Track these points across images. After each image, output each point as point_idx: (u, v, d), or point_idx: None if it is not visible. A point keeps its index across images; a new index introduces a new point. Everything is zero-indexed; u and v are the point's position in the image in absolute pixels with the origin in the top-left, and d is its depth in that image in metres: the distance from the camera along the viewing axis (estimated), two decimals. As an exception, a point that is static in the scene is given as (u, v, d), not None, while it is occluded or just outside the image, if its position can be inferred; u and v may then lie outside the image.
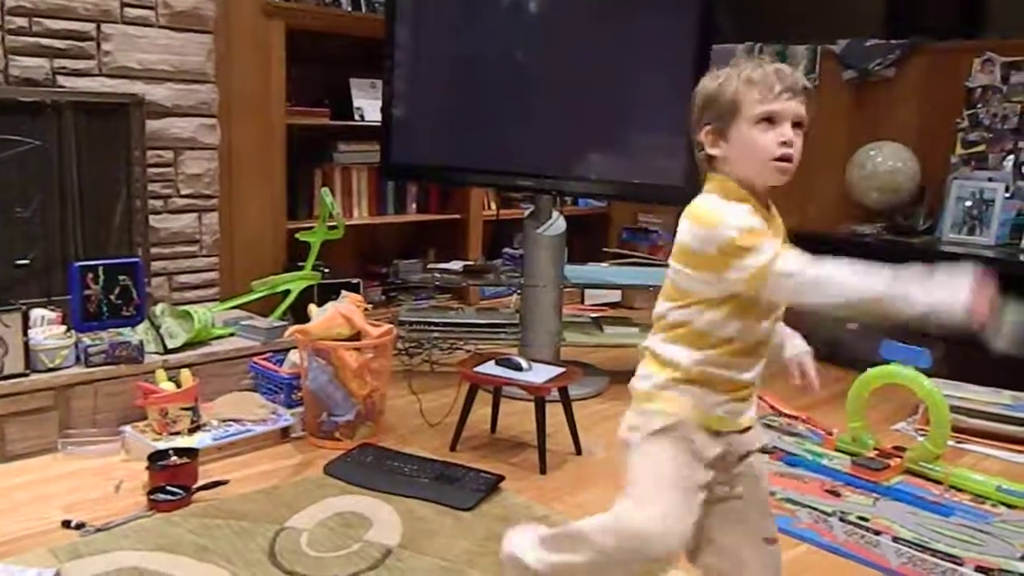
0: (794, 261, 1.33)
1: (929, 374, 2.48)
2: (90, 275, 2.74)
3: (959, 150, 3.65)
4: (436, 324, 3.36)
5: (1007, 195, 3.45)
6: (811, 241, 4.03)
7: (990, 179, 3.50)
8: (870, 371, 2.57)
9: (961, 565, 1.95)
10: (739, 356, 1.43)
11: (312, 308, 2.64)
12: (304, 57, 3.59)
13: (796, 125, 1.37)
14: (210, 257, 3.28)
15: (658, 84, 2.95)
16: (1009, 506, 2.29)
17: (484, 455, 2.54)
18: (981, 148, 3.61)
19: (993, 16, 3.93)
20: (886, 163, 3.70)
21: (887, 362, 2.55)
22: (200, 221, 3.25)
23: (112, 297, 2.78)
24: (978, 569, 1.95)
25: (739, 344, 1.41)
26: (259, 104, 3.40)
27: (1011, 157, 3.52)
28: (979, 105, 3.62)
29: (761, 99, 1.35)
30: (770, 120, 1.36)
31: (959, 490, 2.38)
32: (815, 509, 2.25)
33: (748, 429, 1.50)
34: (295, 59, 3.49)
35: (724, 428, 1.45)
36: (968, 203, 3.50)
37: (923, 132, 3.75)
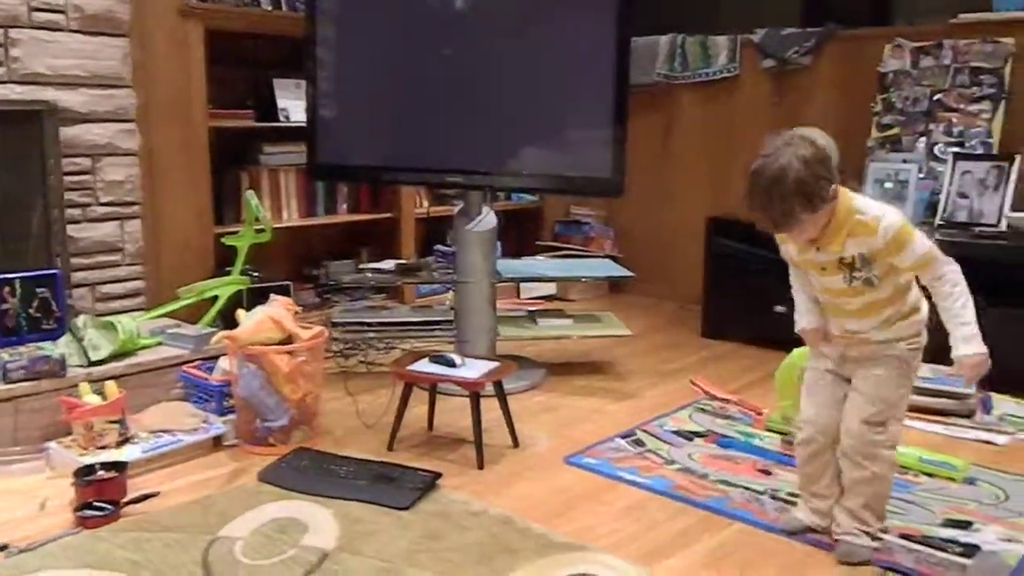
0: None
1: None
2: (6, 289, 2.66)
3: (875, 134, 3.76)
4: (370, 324, 3.34)
5: (921, 175, 3.57)
6: (734, 227, 4.10)
7: (904, 161, 3.61)
8: (796, 351, 2.63)
9: (886, 533, 2.01)
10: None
11: (240, 313, 2.60)
12: (225, 59, 3.53)
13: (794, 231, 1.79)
14: (134, 265, 3.21)
15: (582, 78, 2.97)
16: (929, 475, 2.38)
17: (422, 453, 2.53)
18: (895, 131, 3.72)
19: (900, 2, 4.06)
20: (807, 148, 3.79)
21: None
22: (122, 229, 3.17)
23: (31, 310, 2.70)
24: (902, 536, 2.02)
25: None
26: (179, 108, 3.33)
27: (923, 139, 3.65)
28: (892, 89, 3.74)
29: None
30: None
31: (884, 462, 2.45)
32: (747, 488, 2.30)
33: None
34: (216, 61, 3.43)
35: None
36: (886, 184, 3.61)
37: (840, 117, 3.86)
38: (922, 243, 1.77)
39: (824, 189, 1.72)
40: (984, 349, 1.78)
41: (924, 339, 1.92)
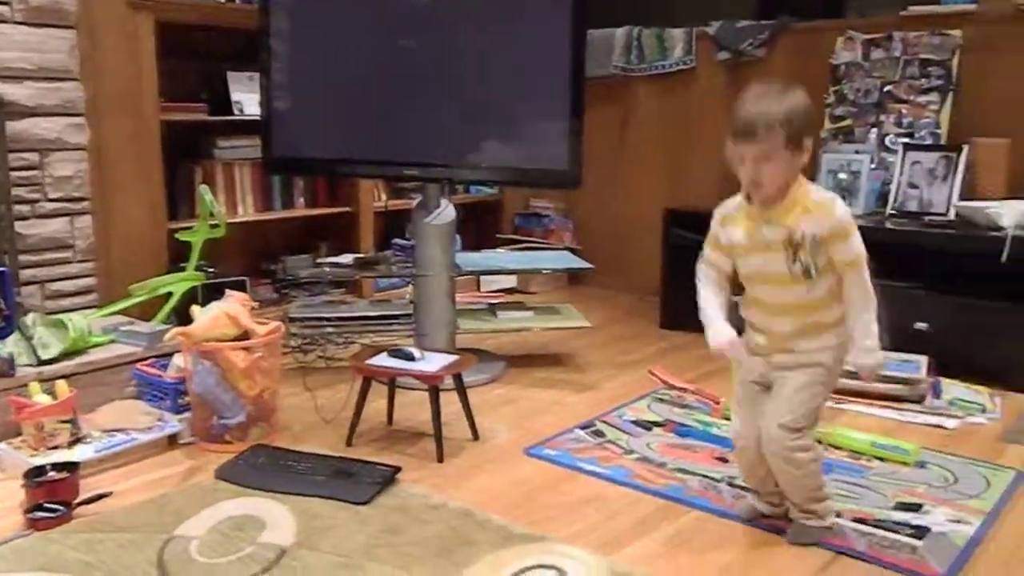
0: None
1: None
2: (-48, 287, 2.59)
3: (828, 125, 3.82)
4: (328, 319, 3.32)
5: (872, 166, 3.63)
6: (694, 218, 4.16)
7: (857, 152, 3.67)
8: (752, 340, 2.67)
9: (839, 517, 2.05)
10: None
11: (195, 309, 2.56)
12: (177, 51, 3.47)
13: (765, 159, 1.74)
14: (85, 262, 3.15)
15: (538, 71, 2.97)
16: (882, 459, 2.43)
17: (381, 447, 2.52)
18: (848, 122, 3.79)
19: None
20: (762, 140, 3.83)
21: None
22: (72, 225, 3.11)
23: (-23, 310, 2.63)
24: (855, 520, 2.06)
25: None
26: (130, 101, 3.27)
27: (875, 130, 3.71)
28: (844, 81, 3.80)
29: (732, 142, 1.79)
30: (741, 157, 1.78)
31: (837, 448, 2.50)
32: (705, 476, 2.33)
33: None
34: (167, 53, 3.37)
35: None
36: (839, 175, 3.67)
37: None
38: (860, 243, 1.80)
39: (806, 136, 1.75)
40: (881, 356, 1.83)
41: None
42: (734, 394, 2.03)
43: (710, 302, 1.94)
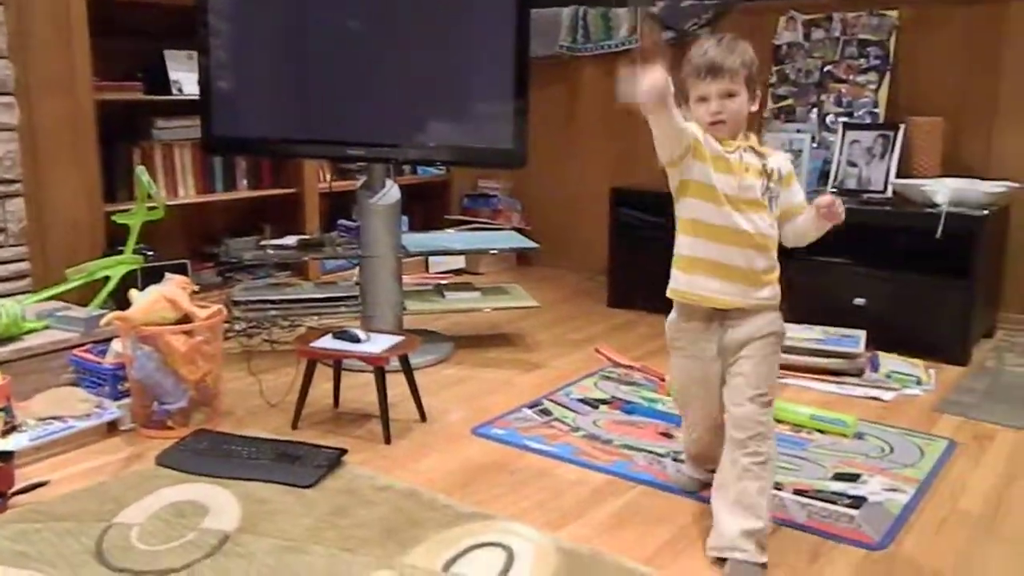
0: None
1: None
2: None
3: (770, 104, 3.87)
4: (273, 302, 3.27)
5: (814, 145, 3.69)
6: (640, 197, 4.17)
7: (798, 131, 3.73)
8: (696, 318, 2.70)
9: (780, 490, 2.10)
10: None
11: (133, 293, 2.50)
12: (111, 29, 3.36)
13: (728, 95, 1.79)
14: (18, 247, 3.05)
15: (484, 49, 2.95)
16: (822, 432, 2.48)
17: (327, 430, 2.51)
18: (789, 102, 3.84)
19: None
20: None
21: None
22: (3, 208, 3.01)
23: (-97, 296, 2.54)
24: (796, 492, 2.11)
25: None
26: (62, 80, 3.17)
27: (815, 110, 3.77)
28: (786, 61, 3.85)
29: (694, 83, 1.82)
30: (702, 98, 1.81)
31: (779, 421, 2.54)
32: (650, 452, 2.36)
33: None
34: (101, 31, 3.26)
35: None
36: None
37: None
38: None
39: (758, 81, 1.85)
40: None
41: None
42: (676, 379, 2.09)
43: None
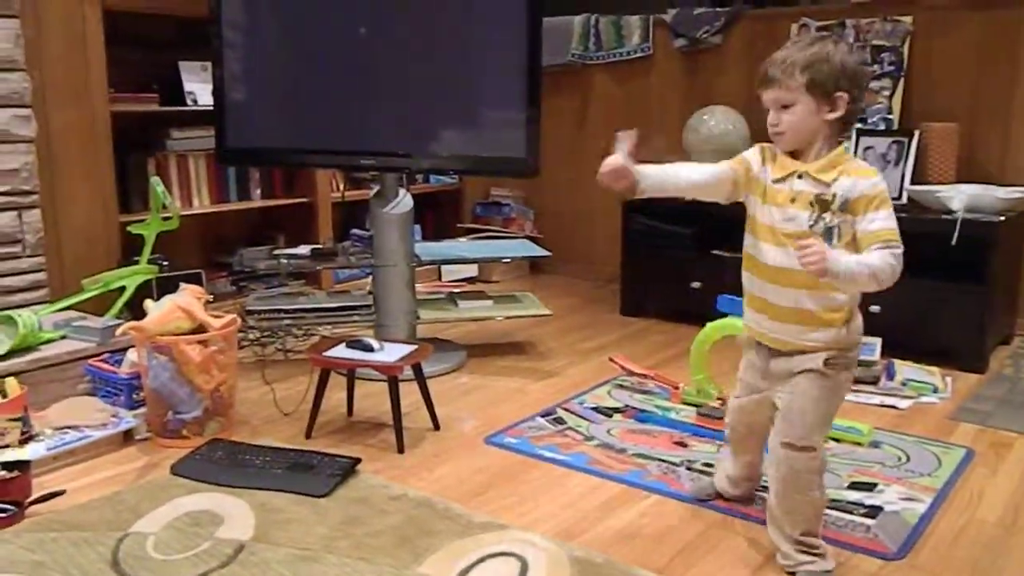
0: None
1: (762, 324, 2.61)
2: None
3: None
4: (287, 311, 3.28)
5: (827, 152, 3.67)
6: (652, 205, 4.16)
7: (812, 137, 3.71)
8: (709, 325, 2.69)
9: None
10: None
11: (148, 303, 2.52)
12: (127, 41, 3.40)
13: (783, 107, 1.68)
14: (35, 257, 3.07)
15: (496, 58, 2.96)
16: (837, 440, 2.46)
17: (341, 439, 2.51)
18: (802, 108, 3.82)
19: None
20: (719, 126, 3.87)
21: (725, 315, 2.67)
22: (20, 219, 3.02)
23: (-78, 307, 2.56)
24: (811, 502, 2.09)
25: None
26: (78, 91, 3.20)
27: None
28: (798, 68, 3.83)
29: (757, 90, 1.73)
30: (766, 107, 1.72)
31: (794, 430, 2.53)
32: (664, 461, 2.35)
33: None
34: (117, 43, 3.30)
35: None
36: (794, 161, 3.71)
37: (750, 95, 3.92)
38: (894, 221, 1.65)
39: (836, 89, 1.64)
40: (829, 265, 1.57)
41: (854, 357, 1.76)
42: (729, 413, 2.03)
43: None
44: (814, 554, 1.77)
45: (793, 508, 1.77)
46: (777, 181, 1.72)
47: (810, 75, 1.64)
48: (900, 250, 1.62)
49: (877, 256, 1.61)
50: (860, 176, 1.65)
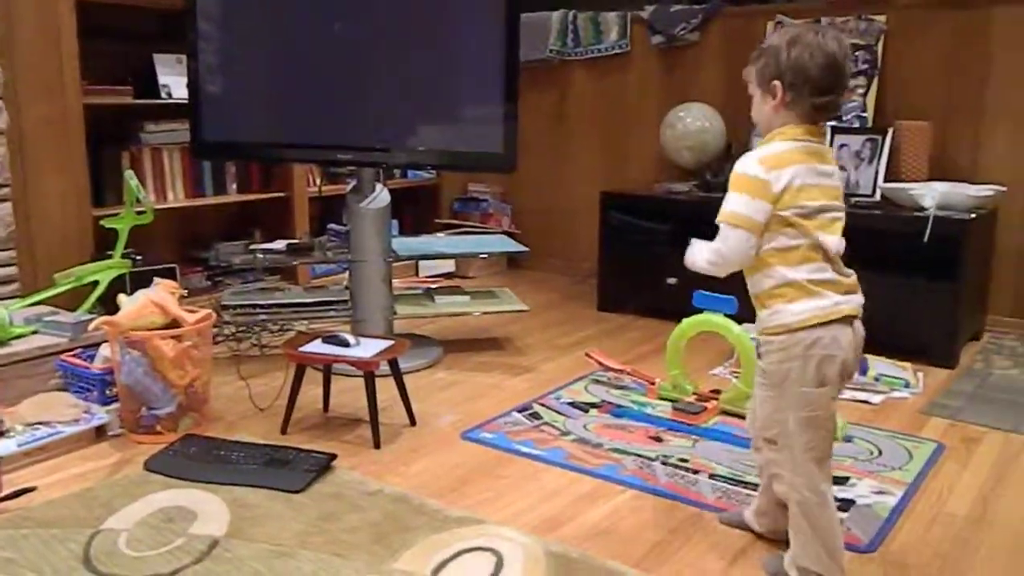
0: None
1: (738, 319, 2.63)
2: None
3: (759, 108, 3.87)
4: (263, 306, 3.26)
5: (803, 149, 3.70)
6: (630, 201, 4.18)
7: (787, 134, 3.74)
8: (685, 321, 2.71)
9: (769, 494, 2.09)
10: None
11: (121, 298, 2.49)
12: (100, 32, 3.36)
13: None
14: (6, 251, 3.04)
15: (474, 53, 2.95)
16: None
17: (317, 435, 2.50)
18: (778, 106, 3.85)
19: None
20: (695, 123, 3.89)
21: (701, 311, 2.69)
22: (-9, 213, 3.00)
23: None
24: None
25: None
26: (51, 84, 3.16)
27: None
28: (774, 65, 3.86)
29: None
30: None
31: (768, 425, 2.55)
32: (640, 456, 2.36)
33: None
34: (90, 35, 3.26)
35: None
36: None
37: (727, 92, 3.97)
38: (733, 204, 1.63)
39: (767, 71, 1.68)
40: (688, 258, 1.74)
41: (805, 356, 1.63)
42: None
43: None
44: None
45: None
46: None
47: (757, 67, 1.68)
48: (725, 230, 1.65)
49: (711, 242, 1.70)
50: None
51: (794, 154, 1.64)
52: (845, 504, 2.07)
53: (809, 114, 1.66)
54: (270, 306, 3.26)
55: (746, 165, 1.65)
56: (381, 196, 3.12)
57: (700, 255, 1.72)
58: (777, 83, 1.64)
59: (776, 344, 1.67)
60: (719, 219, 1.67)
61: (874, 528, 1.97)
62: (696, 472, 2.25)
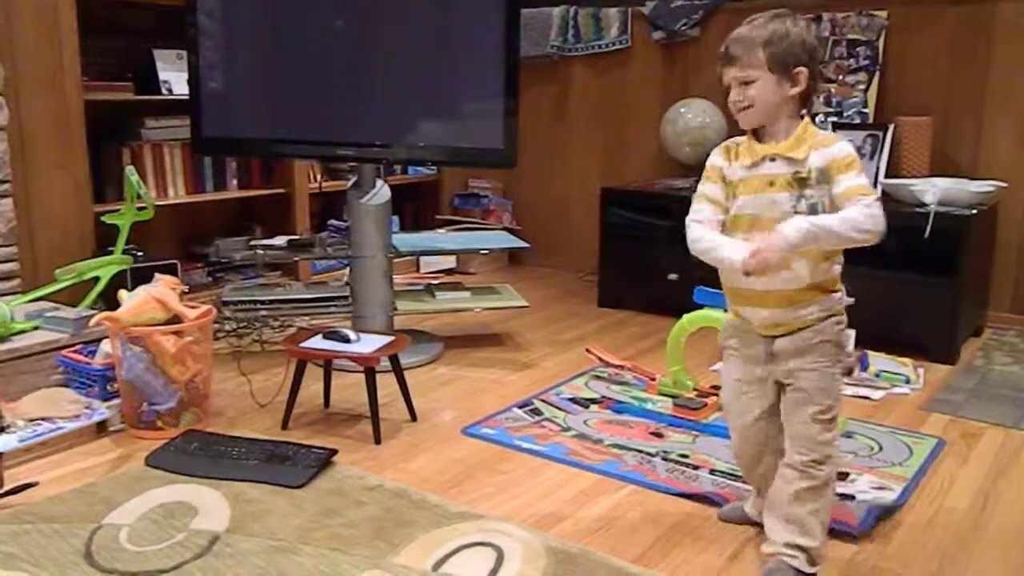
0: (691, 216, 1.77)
1: (738, 316, 2.62)
2: None
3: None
4: (264, 302, 3.26)
5: (803, 145, 3.70)
6: (631, 197, 4.18)
7: (788, 131, 3.73)
8: (686, 317, 2.71)
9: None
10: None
11: (122, 293, 2.50)
12: (101, 28, 3.36)
13: (745, 83, 1.66)
14: (7, 247, 3.03)
15: (474, 49, 2.95)
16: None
17: (318, 431, 2.50)
18: (779, 102, 3.85)
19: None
20: (695, 119, 3.89)
21: (701, 307, 2.69)
22: (-9, 209, 2.99)
23: None
24: (784, 491, 2.11)
25: None
26: (51, 80, 3.16)
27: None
28: (775, 61, 3.85)
29: (718, 68, 1.71)
30: (728, 85, 1.70)
31: (768, 421, 2.55)
32: (640, 451, 2.36)
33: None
34: (91, 31, 3.26)
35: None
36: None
37: (727, 88, 3.95)
38: (866, 180, 1.64)
39: (795, 64, 1.63)
40: (781, 250, 1.59)
41: (845, 320, 1.73)
42: (725, 386, 1.88)
43: (711, 235, 1.73)
44: (802, 548, 1.70)
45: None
46: (750, 168, 1.69)
47: (771, 51, 1.63)
48: (873, 200, 1.58)
49: (854, 209, 1.58)
50: (825, 146, 1.64)
51: None
52: (845, 499, 2.07)
53: (810, 100, 1.67)
54: (271, 302, 3.27)
55: (848, 147, 1.64)
56: (382, 192, 3.12)
57: (864, 222, 1.57)
58: (804, 69, 1.63)
59: (843, 320, 1.73)
60: (867, 191, 1.59)
61: (870, 518, 1.96)
62: (696, 468, 2.26)
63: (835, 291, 1.73)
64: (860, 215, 1.57)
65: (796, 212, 1.63)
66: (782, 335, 1.73)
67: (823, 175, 1.63)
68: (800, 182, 1.64)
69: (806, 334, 1.71)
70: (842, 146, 1.64)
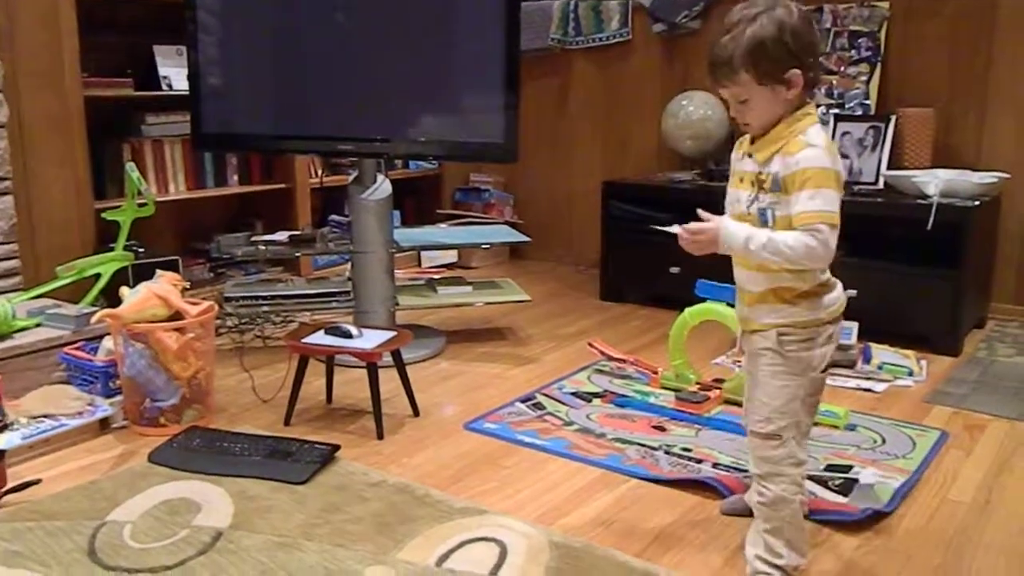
0: None
1: (740, 309, 2.62)
2: None
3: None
4: (265, 298, 3.26)
5: (804, 136, 3.69)
6: (632, 191, 4.17)
7: (790, 123, 3.72)
8: (688, 310, 2.71)
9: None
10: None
11: (124, 290, 2.49)
12: (101, 25, 3.35)
13: (740, 101, 1.59)
14: (8, 244, 3.04)
15: (475, 43, 2.94)
16: (814, 424, 2.48)
17: (320, 426, 2.50)
18: (780, 94, 3.83)
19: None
20: (697, 111, 3.87)
21: (703, 300, 2.69)
22: (-8, 206, 3.00)
23: None
24: (787, 484, 2.11)
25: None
26: (51, 76, 3.16)
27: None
28: (776, 53, 3.84)
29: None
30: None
31: (771, 414, 2.54)
32: (643, 445, 2.36)
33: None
34: (90, 27, 3.26)
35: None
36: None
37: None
38: (826, 203, 1.51)
39: (780, 63, 1.53)
40: (718, 245, 1.58)
41: (820, 334, 1.64)
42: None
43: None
44: (773, 565, 1.67)
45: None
46: (738, 160, 1.68)
47: (755, 68, 1.53)
48: (822, 232, 1.50)
49: (792, 236, 1.52)
50: (791, 153, 1.54)
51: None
52: (848, 484, 2.07)
53: (811, 87, 1.60)
54: (272, 298, 3.26)
55: (821, 158, 1.53)
56: (383, 187, 3.11)
57: (799, 253, 1.51)
58: (796, 71, 1.54)
59: (803, 335, 1.63)
60: (814, 219, 1.50)
61: (873, 505, 1.96)
62: (700, 461, 2.25)
63: (795, 304, 1.62)
64: (799, 245, 1.51)
65: (748, 213, 1.61)
66: (750, 332, 1.71)
67: (778, 183, 1.56)
68: (758, 184, 1.60)
69: (755, 338, 1.68)
70: (807, 155, 1.52)
